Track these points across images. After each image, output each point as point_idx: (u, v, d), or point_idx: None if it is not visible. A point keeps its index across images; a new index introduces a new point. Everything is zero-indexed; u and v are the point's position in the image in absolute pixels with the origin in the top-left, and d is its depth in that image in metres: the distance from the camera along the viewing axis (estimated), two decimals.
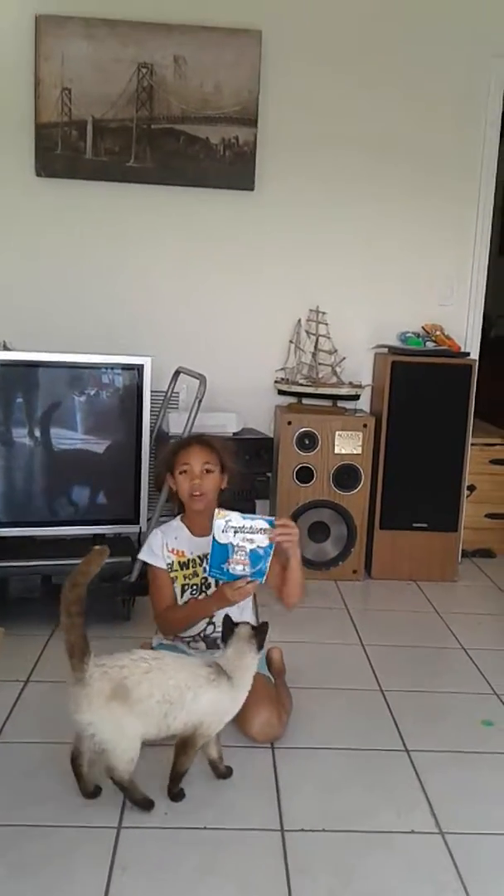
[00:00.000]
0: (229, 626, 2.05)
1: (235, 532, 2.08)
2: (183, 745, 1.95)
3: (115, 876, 1.69)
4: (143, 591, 2.90)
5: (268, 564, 2.10)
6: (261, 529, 2.07)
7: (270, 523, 2.08)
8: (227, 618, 2.10)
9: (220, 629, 2.12)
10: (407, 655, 2.90)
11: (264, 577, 2.12)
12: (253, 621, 2.25)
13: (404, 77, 3.68)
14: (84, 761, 1.93)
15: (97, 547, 1.94)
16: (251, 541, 2.08)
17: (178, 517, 2.45)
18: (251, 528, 2.08)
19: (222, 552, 2.10)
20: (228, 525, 2.08)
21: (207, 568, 2.15)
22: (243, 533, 2.08)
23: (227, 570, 2.11)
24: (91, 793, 1.94)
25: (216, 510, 2.12)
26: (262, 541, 2.08)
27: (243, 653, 2.01)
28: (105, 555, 1.93)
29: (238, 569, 2.10)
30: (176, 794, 1.95)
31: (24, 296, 3.65)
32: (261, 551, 2.08)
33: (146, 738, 1.89)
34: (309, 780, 2.09)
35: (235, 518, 2.08)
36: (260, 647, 2.05)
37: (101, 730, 1.84)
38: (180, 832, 1.85)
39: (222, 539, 2.09)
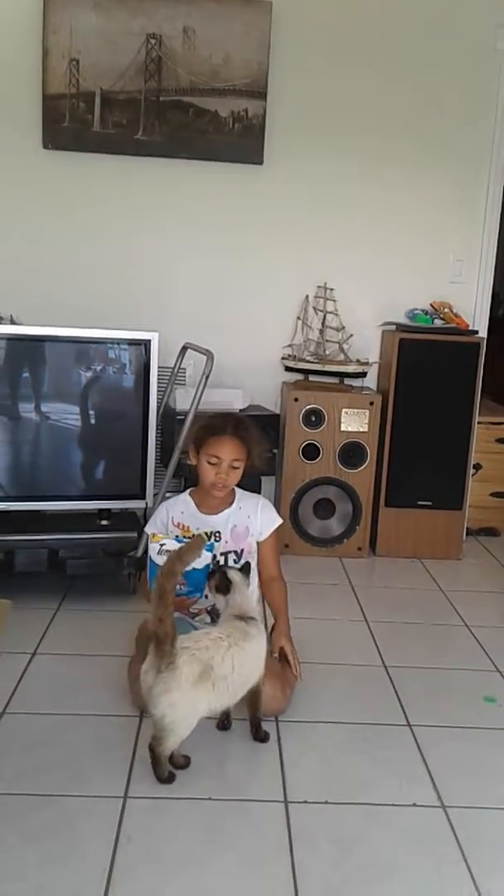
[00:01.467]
0: (223, 577, 2.12)
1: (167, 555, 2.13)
2: (253, 696, 2.09)
3: (121, 845, 1.72)
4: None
5: (205, 583, 2.16)
6: None
7: (209, 548, 2.11)
8: (220, 571, 2.16)
9: None
10: (410, 632, 2.92)
11: (203, 593, 2.20)
12: (257, 606, 2.29)
13: (415, 53, 3.64)
14: None
15: (198, 534, 1.96)
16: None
17: (187, 491, 2.46)
18: None
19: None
20: (163, 549, 2.14)
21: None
22: None
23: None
24: (182, 764, 1.97)
25: (151, 534, 2.19)
26: (198, 563, 2.12)
27: (246, 594, 2.13)
28: (204, 542, 2.00)
29: (175, 587, 2.14)
30: (263, 737, 2.13)
31: (30, 270, 3.64)
32: (198, 571, 2.14)
33: (215, 712, 2.00)
34: (312, 752, 2.11)
35: (169, 543, 2.14)
36: (248, 580, 2.20)
37: (179, 711, 1.87)
38: (185, 802, 1.87)
39: (158, 561, 2.14)
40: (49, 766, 1.98)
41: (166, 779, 1.92)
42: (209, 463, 2.31)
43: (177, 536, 2.23)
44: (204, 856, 1.71)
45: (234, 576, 2.14)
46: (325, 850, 1.74)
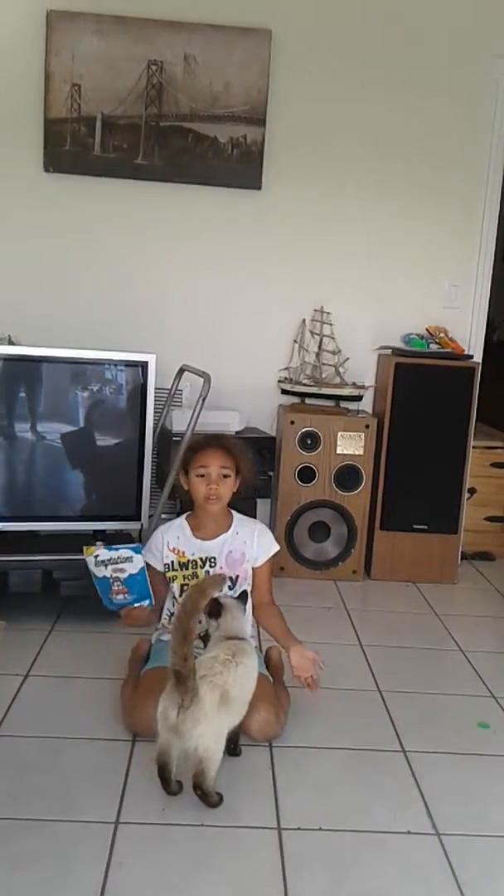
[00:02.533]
0: (215, 602, 2.12)
1: (106, 565, 2.15)
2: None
3: (112, 871, 1.70)
4: None
5: (148, 585, 2.16)
6: (127, 558, 2.13)
7: (135, 550, 2.11)
8: (212, 600, 2.15)
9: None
10: (405, 656, 2.91)
11: (152, 598, 2.20)
12: (252, 629, 2.29)
13: (414, 81, 3.69)
14: (173, 767, 1.93)
15: (215, 574, 1.99)
16: (122, 570, 2.14)
17: (184, 516, 2.45)
18: (118, 558, 2.14)
19: (104, 585, 2.18)
20: (98, 560, 2.15)
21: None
22: (113, 564, 2.14)
23: (113, 600, 2.20)
24: (176, 791, 1.95)
25: (84, 547, 2.18)
26: (133, 567, 2.13)
27: (238, 617, 2.14)
28: (223, 581, 2.03)
29: (120, 598, 2.18)
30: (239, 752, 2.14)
31: (29, 291, 3.66)
32: (136, 577, 2.14)
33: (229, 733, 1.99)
34: (306, 779, 2.09)
35: (102, 552, 2.14)
36: (245, 606, 2.22)
37: (208, 740, 1.87)
38: (177, 829, 1.85)
39: (98, 574, 2.15)
40: (40, 790, 1.96)
41: (219, 803, 1.91)
42: (198, 476, 2.32)
43: (111, 546, 2.21)
44: (196, 883, 1.69)
45: (226, 601, 2.14)
46: (318, 878, 1.73)
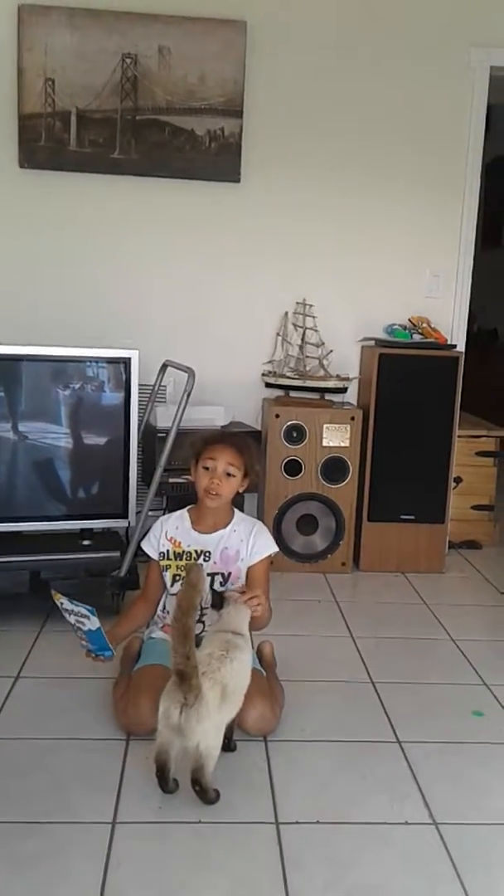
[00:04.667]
0: (217, 594, 2.17)
1: (70, 613, 2.17)
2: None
3: (111, 871, 1.69)
4: (133, 585, 2.91)
5: (107, 642, 2.17)
6: (84, 615, 2.13)
7: (91, 612, 2.11)
8: (213, 591, 2.21)
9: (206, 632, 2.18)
10: (397, 647, 2.91)
11: (113, 652, 2.21)
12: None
13: (391, 70, 3.68)
14: (172, 766, 1.91)
15: (190, 564, 1.99)
16: (83, 623, 2.15)
17: (187, 508, 2.45)
18: (78, 612, 2.14)
19: (73, 628, 2.20)
20: (63, 608, 2.17)
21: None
22: (75, 615, 2.16)
23: (80, 643, 2.23)
24: (173, 789, 1.93)
25: (53, 591, 2.18)
26: (91, 624, 2.13)
27: (240, 609, 2.12)
28: (200, 570, 1.99)
29: (84, 643, 2.21)
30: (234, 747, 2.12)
31: (7, 289, 3.62)
32: (94, 633, 2.15)
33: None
34: (302, 772, 2.09)
35: (66, 602, 2.15)
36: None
37: (210, 737, 1.86)
38: (174, 826, 1.84)
39: (67, 618, 2.18)
40: (35, 792, 1.94)
41: (216, 799, 1.91)
42: (204, 468, 2.31)
43: (73, 601, 2.19)
44: (195, 880, 1.68)
45: (230, 594, 2.15)
46: (317, 872, 1.72)
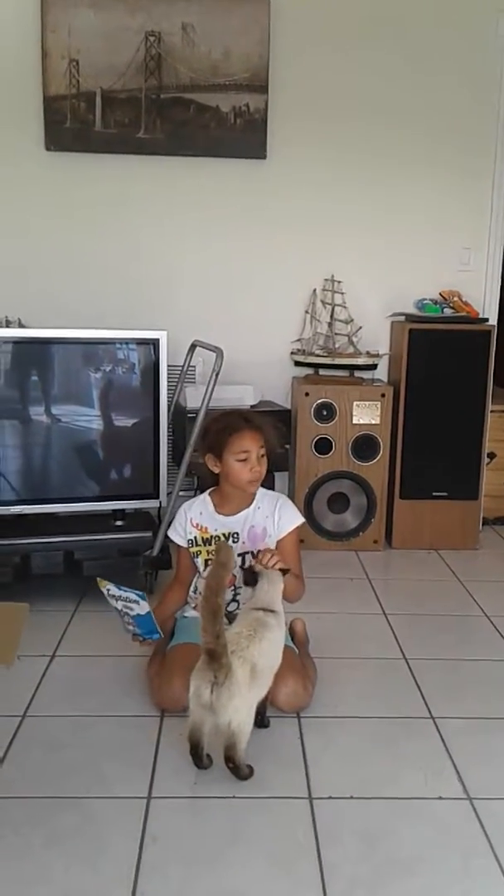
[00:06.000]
0: (249, 571, 2.15)
1: (116, 599, 2.18)
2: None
3: (146, 846, 1.71)
4: (166, 564, 2.93)
5: (155, 624, 2.18)
6: (134, 601, 2.14)
7: (141, 596, 2.13)
8: (243, 569, 2.20)
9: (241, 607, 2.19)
10: (430, 624, 2.90)
11: (160, 634, 2.23)
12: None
13: (417, 41, 3.61)
14: (205, 743, 1.94)
15: (220, 543, 1.99)
16: (131, 609, 2.17)
17: (207, 492, 2.45)
18: (126, 598, 2.16)
19: (117, 613, 2.23)
20: (109, 594, 2.19)
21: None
22: (122, 601, 2.17)
23: (126, 628, 2.26)
24: (207, 765, 1.96)
25: (98, 579, 2.20)
26: (140, 609, 2.15)
27: (275, 587, 2.12)
28: (229, 550, 1.97)
29: (131, 628, 2.23)
30: (267, 723, 2.14)
31: (36, 272, 3.63)
32: (143, 617, 2.17)
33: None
34: (335, 748, 2.10)
35: (113, 588, 2.17)
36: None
37: (241, 714, 1.87)
38: (209, 802, 1.86)
39: (113, 604, 2.20)
40: (72, 768, 1.98)
41: (250, 775, 1.92)
42: (239, 461, 2.29)
43: (121, 587, 2.21)
44: (230, 855, 1.70)
45: (263, 570, 2.14)
46: (351, 846, 1.73)
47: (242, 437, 2.29)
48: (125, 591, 2.15)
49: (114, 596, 2.19)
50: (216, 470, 2.35)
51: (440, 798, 1.90)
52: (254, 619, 2.03)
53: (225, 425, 2.34)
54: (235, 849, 1.72)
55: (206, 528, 2.37)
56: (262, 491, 2.42)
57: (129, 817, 1.80)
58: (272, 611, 2.08)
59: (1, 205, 3.60)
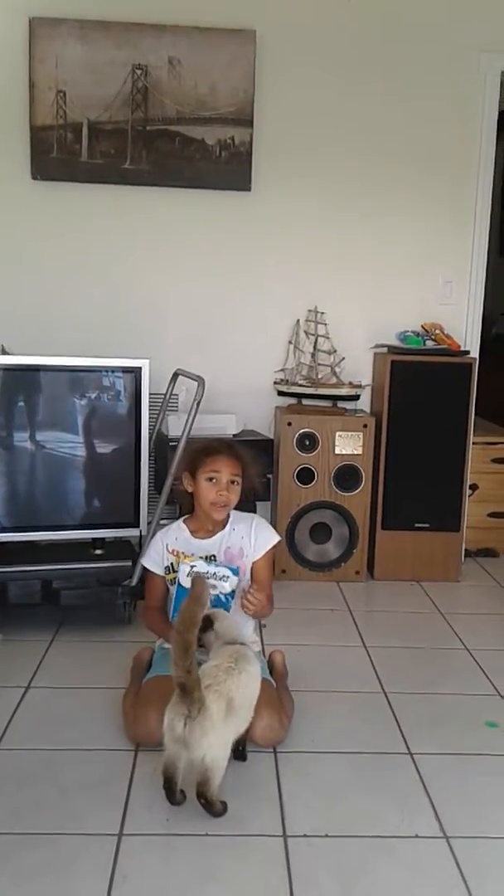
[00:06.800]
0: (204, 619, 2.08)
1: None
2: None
3: (117, 884, 1.68)
4: (144, 594, 2.89)
5: (230, 607, 2.17)
6: (224, 577, 2.14)
7: (234, 571, 2.12)
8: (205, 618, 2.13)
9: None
10: (410, 657, 2.88)
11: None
12: (253, 634, 2.26)
13: (401, 77, 3.66)
14: (179, 778, 1.91)
15: (194, 579, 1.95)
16: (214, 587, 2.14)
17: (182, 519, 2.45)
18: (215, 574, 2.15)
19: (180, 595, 2.18)
20: (193, 570, 2.16)
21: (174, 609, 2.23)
22: (208, 579, 2.13)
23: None
24: (180, 801, 1.92)
25: (182, 555, 2.19)
26: (225, 587, 2.14)
27: (228, 619, 2.12)
28: (204, 584, 1.94)
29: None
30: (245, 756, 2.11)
31: (21, 300, 3.63)
32: (223, 597, 2.15)
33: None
34: (311, 784, 2.06)
35: (200, 564, 2.16)
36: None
37: (215, 749, 1.85)
38: (181, 839, 1.83)
39: (186, 584, 2.14)
40: (41, 803, 1.94)
41: (223, 811, 1.89)
42: (208, 480, 2.30)
43: (205, 558, 2.23)
44: (201, 894, 1.66)
45: (210, 611, 2.09)
46: (326, 886, 1.70)
47: (216, 459, 2.32)
48: (215, 566, 2.16)
49: (197, 573, 2.13)
50: (189, 489, 2.36)
51: (416, 836, 1.88)
52: (233, 651, 2.01)
53: (205, 446, 2.39)
54: (207, 888, 1.68)
55: (182, 554, 2.36)
56: (235, 513, 2.42)
57: (99, 855, 1.76)
58: (242, 643, 2.06)
59: None
